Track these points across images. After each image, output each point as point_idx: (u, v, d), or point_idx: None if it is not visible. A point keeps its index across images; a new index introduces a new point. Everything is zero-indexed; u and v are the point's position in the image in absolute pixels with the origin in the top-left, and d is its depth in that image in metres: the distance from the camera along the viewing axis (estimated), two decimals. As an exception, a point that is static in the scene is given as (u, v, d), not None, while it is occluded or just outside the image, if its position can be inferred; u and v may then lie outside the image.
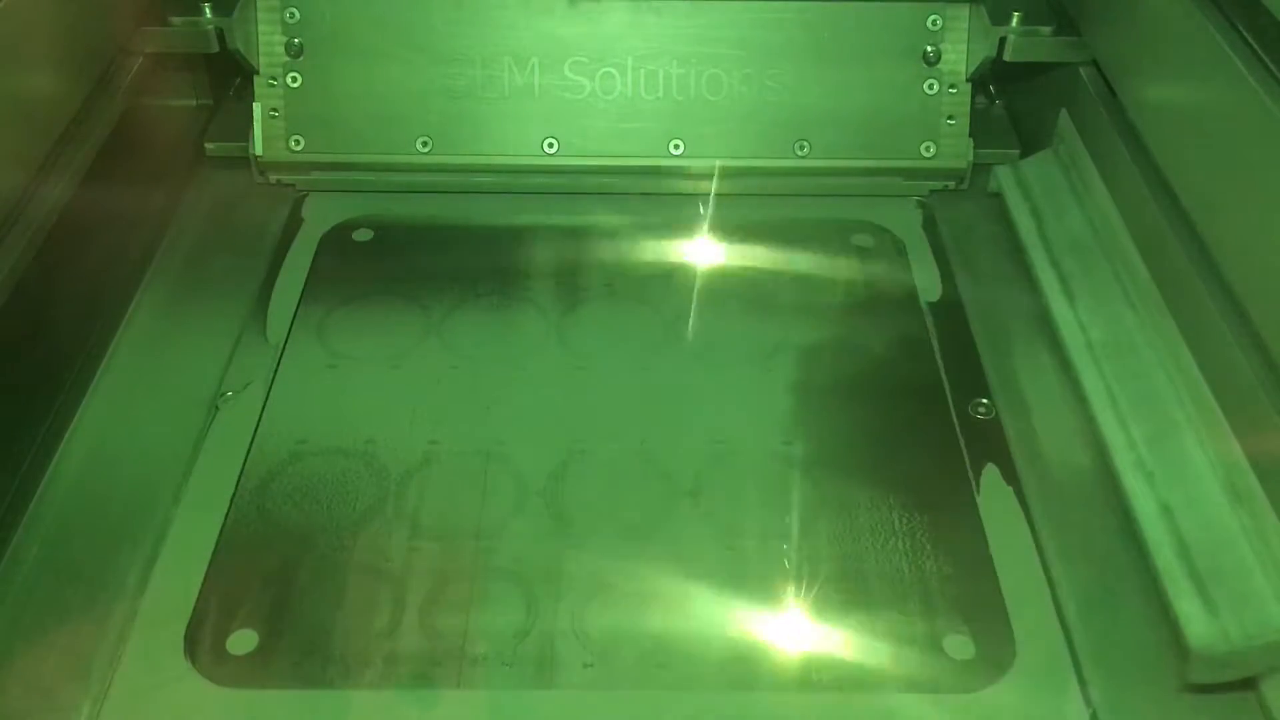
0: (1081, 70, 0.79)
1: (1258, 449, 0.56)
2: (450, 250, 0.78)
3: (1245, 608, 0.52)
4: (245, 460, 0.63)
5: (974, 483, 0.63)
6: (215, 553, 0.58)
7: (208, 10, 0.79)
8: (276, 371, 0.69)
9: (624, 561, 0.58)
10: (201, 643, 0.54)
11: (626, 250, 0.79)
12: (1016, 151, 0.85)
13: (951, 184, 0.83)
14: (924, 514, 0.61)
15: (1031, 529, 0.60)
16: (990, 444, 0.65)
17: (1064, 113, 0.81)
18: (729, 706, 0.53)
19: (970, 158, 0.82)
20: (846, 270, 0.77)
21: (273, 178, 0.83)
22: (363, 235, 0.80)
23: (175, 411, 0.66)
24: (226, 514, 0.60)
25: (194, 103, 0.87)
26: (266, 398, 0.67)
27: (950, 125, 0.82)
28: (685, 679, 0.54)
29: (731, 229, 0.81)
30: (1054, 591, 0.57)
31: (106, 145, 0.71)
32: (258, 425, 0.65)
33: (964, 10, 0.81)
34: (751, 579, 0.58)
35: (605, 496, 0.62)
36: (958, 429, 0.66)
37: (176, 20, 0.79)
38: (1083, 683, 0.54)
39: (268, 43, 0.81)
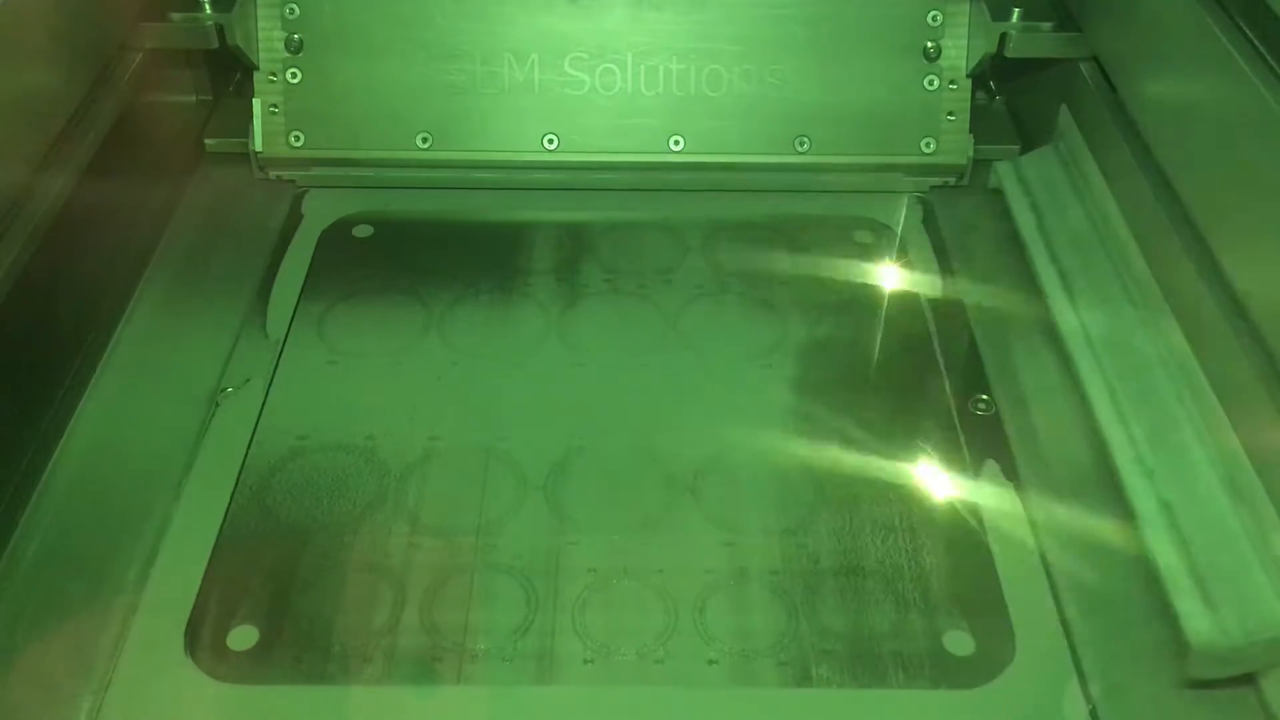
0: (1082, 66, 0.79)
1: (1258, 445, 0.56)
2: (450, 246, 0.78)
3: (1245, 604, 0.52)
4: (245, 456, 0.63)
5: (974, 479, 0.63)
6: (215, 548, 0.58)
7: (207, 6, 0.79)
8: (276, 367, 0.69)
9: (624, 557, 0.59)
10: (202, 638, 0.55)
11: (626, 246, 0.79)
12: (1017, 147, 0.85)
13: (952, 180, 0.83)
14: (924, 510, 0.61)
15: (1031, 525, 0.60)
16: (990, 440, 0.65)
17: (1064, 108, 0.81)
18: (728, 702, 0.53)
19: (970, 154, 0.82)
20: (846, 266, 0.77)
21: (272, 173, 0.83)
22: (363, 231, 0.80)
23: (175, 407, 0.66)
24: (227, 510, 0.60)
25: (194, 99, 0.87)
26: (266, 393, 0.67)
27: (950, 121, 0.82)
28: (685, 675, 0.54)
29: (731, 225, 0.81)
30: (1054, 588, 0.57)
31: (107, 141, 0.71)
32: (258, 421, 0.65)
33: (964, 6, 0.81)
34: (751, 575, 0.58)
35: (605, 493, 0.62)
36: (958, 425, 0.66)
37: (176, 16, 0.79)
38: (1082, 679, 0.54)
39: (267, 39, 0.81)
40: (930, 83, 0.81)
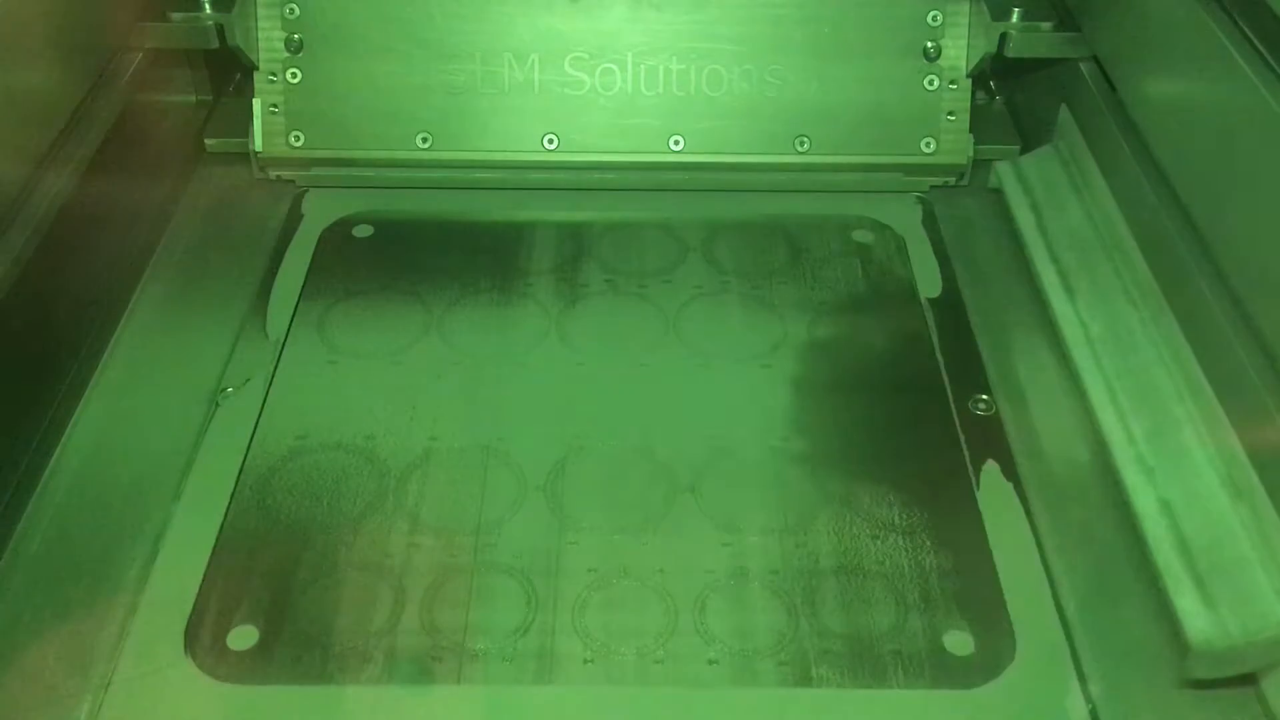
0: (1082, 66, 0.79)
1: (1257, 444, 0.56)
2: (450, 246, 0.78)
3: (1245, 604, 0.52)
4: (245, 456, 0.63)
5: (974, 479, 0.63)
6: (215, 548, 0.58)
7: (207, 6, 0.79)
8: (276, 367, 0.69)
9: (624, 557, 0.59)
10: (201, 638, 0.55)
11: (626, 246, 0.79)
12: (1017, 147, 0.85)
13: (951, 180, 0.83)
14: (924, 510, 0.61)
15: (1031, 525, 0.60)
16: (990, 440, 0.65)
17: (1064, 108, 0.81)
18: (728, 702, 0.53)
19: (970, 154, 0.82)
20: (846, 266, 0.77)
21: (273, 173, 0.83)
22: (363, 231, 0.80)
23: (175, 407, 0.66)
24: (227, 510, 0.60)
25: (194, 98, 0.87)
26: (266, 393, 0.67)
27: (950, 121, 0.82)
28: (685, 675, 0.54)
29: (731, 225, 0.81)
30: (1054, 587, 0.57)
31: (107, 141, 0.71)
32: (258, 421, 0.65)
33: (964, 6, 0.81)
34: (751, 575, 0.58)
35: (605, 492, 0.62)
36: (958, 425, 0.66)
37: (176, 16, 0.79)
38: (1082, 679, 0.54)
39: (267, 39, 0.81)
40: (930, 83, 0.81)
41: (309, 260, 0.77)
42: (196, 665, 0.53)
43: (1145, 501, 0.58)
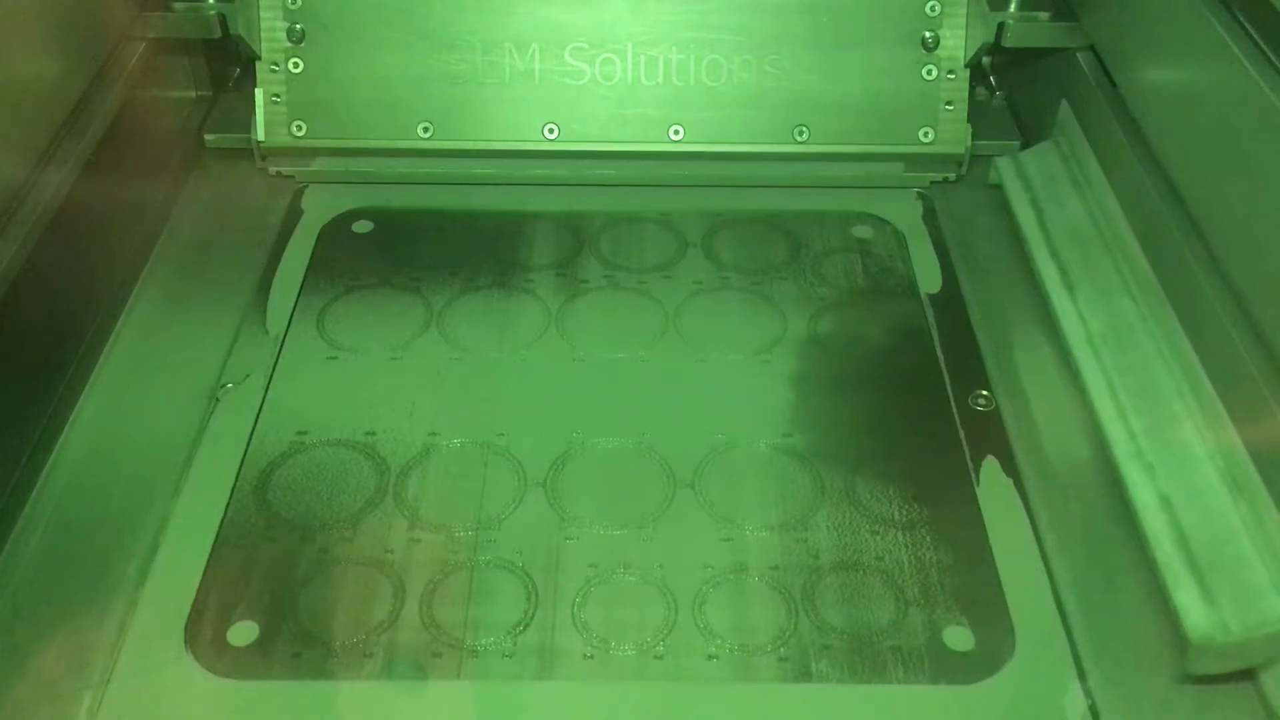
0: (1080, 59, 0.79)
1: (1257, 440, 0.56)
2: (450, 241, 0.78)
3: (1244, 599, 0.52)
4: (245, 452, 0.63)
5: (974, 474, 0.63)
6: (215, 544, 0.58)
7: (210, -5, 0.79)
8: (276, 363, 0.69)
9: (624, 553, 0.59)
10: (202, 634, 0.55)
11: (626, 242, 0.78)
12: (1017, 143, 0.85)
13: (950, 170, 0.83)
14: (923, 505, 0.61)
15: (1031, 520, 0.60)
16: (990, 435, 0.65)
17: (1064, 103, 0.80)
18: (728, 698, 0.53)
19: (968, 143, 0.82)
20: (846, 262, 0.77)
21: (274, 163, 0.83)
22: (362, 226, 0.79)
23: (175, 403, 0.66)
24: (227, 506, 0.60)
25: (193, 94, 0.87)
26: (266, 389, 0.67)
27: (948, 111, 0.82)
28: (684, 670, 0.54)
29: (731, 220, 0.81)
30: (1053, 583, 0.57)
31: (107, 136, 0.71)
32: (258, 417, 0.65)
33: (963, -4, 0.81)
34: (750, 570, 0.58)
35: (605, 488, 0.62)
36: (957, 420, 0.66)
37: (179, 5, 0.79)
38: (1082, 674, 0.54)
39: (269, 28, 0.81)
40: (928, 72, 0.81)
41: (309, 256, 0.77)
42: (197, 661, 0.54)
43: (1145, 497, 0.58)
